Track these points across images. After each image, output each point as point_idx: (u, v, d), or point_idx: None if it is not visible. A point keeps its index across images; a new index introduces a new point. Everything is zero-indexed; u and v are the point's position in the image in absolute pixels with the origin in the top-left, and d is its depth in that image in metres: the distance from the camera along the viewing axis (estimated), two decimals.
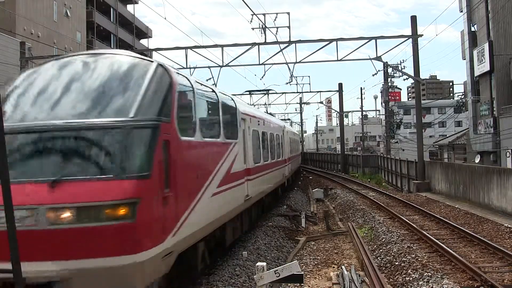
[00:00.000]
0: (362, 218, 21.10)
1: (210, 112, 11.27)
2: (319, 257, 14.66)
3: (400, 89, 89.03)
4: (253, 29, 30.25)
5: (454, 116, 65.48)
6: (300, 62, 31.31)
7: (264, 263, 7.93)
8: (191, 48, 29.92)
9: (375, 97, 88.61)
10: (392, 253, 13.74)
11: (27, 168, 6.44)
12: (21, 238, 4.03)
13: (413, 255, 12.84)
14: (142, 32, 70.43)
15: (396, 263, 12.70)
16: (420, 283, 10.62)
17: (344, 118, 64.14)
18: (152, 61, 8.03)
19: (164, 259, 7.06)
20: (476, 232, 16.05)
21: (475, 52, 36.67)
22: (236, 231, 13.61)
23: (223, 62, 30.27)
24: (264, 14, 29.54)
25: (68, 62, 8.20)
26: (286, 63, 32.45)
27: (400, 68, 45.51)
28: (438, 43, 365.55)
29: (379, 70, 38.29)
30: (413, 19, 30.38)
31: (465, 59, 39.96)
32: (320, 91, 57.34)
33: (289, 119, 78.28)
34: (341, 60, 30.58)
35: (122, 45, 60.07)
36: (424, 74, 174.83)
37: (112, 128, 6.66)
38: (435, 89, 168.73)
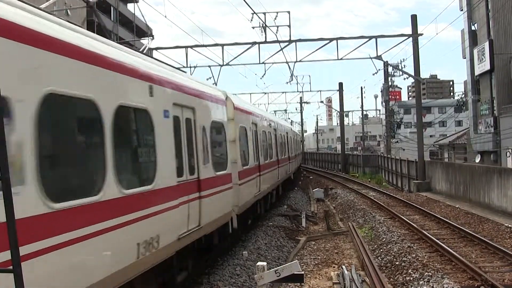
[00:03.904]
0: (363, 218, 21.09)
1: None
2: (319, 257, 14.66)
3: (401, 89, 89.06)
4: (253, 28, 30.18)
5: (454, 116, 65.46)
6: (300, 61, 31.29)
7: (265, 263, 7.92)
8: (191, 47, 29.92)
9: (376, 97, 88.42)
10: (393, 253, 13.74)
11: None
12: None
13: (414, 255, 12.83)
14: (143, 31, 70.39)
15: (397, 263, 12.69)
16: (420, 282, 10.62)
17: (345, 118, 64.17)
18: None
19: None
20: (477, 232, 16.04)
21: (475, 51, 36.61)
22: None
23: (223, 61, 30.26)
24: (264, 13, 29.51)
25: None
26: (287, 62, 32.52)
27: (400, 67, 45.49)
28: (438, 42, 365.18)
29: (379, 69, 38.28)
30: (414, 18, 30.39)
31: (465, 58, 39.89)
32: (321, 91, 58.49)
33: (289, 119, 78.52)
34: (341, 59, 30.57)
35: (123, 44, 60.04)
36: (424, 73, 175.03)
37: None
38: (435, 88, 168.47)
